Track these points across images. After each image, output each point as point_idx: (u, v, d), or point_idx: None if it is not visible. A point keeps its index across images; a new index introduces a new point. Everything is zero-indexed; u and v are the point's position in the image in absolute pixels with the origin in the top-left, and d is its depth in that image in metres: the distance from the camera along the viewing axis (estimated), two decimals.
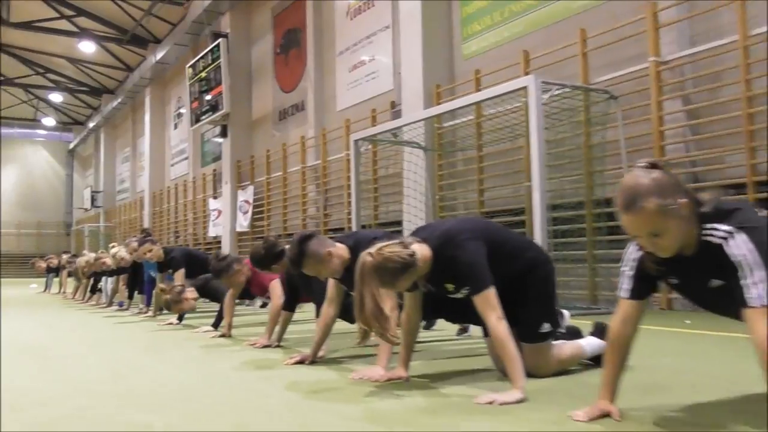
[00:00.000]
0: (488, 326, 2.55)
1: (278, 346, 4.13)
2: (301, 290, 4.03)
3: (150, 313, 6.78)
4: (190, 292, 5.65)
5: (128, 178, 25.55)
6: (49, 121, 32.12)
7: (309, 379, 3.00)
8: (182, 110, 19.74)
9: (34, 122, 32.57)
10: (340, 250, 3.21)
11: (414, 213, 8.78)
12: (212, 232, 16.05)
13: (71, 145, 33.34)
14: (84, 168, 33.54)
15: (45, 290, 12.98)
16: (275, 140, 14.05)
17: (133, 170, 24.77)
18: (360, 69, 11.11)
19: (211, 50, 14.56)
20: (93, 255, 9.10)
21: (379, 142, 9.10)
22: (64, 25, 20.61)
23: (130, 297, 7.67)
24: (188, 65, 15.99)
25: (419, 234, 2.75)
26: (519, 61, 7.74)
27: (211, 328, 5.06)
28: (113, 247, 8.24)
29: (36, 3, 19.28)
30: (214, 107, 14.58)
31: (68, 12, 19.98)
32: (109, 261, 8.16)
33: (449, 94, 8.79)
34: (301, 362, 3.39)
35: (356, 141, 8.53)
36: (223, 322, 4.94)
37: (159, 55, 19.37)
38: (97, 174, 30.08)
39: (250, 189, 14.30)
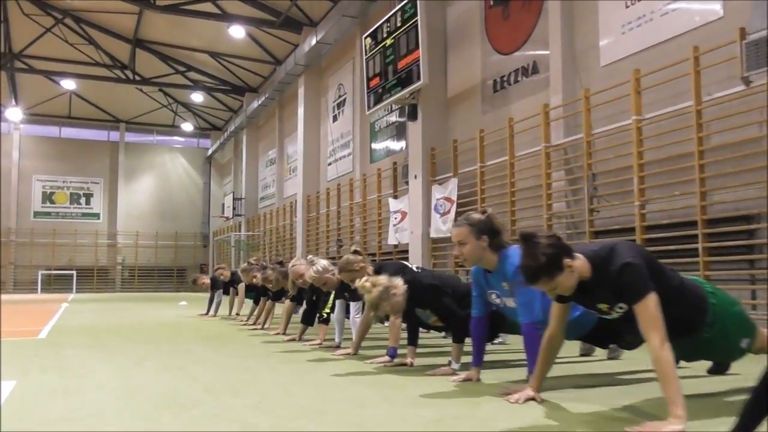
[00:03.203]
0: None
1: None
2: None
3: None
4: None
5: (273, 183, 23.22)
6: (188, 126, 30.71)
7: None
8: (345, 97, 16.97)
9: (173, 128, 31.31)
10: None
11: None
12: (393, 239, 12.98)
13: (209, 152, 31.80)
14: (221, 175, 31.91)
15: (207, 312, 10.25)
16: (489, 118, 10.80)
17: (279, 173, 22.38)
18: None
19: (402, 9, 11.56)
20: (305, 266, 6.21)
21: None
22: (209, 7, 18.53)
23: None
24: (365, 35, 13.09)
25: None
26: None
27: None
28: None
29: None
30: (405, 80, 11.52)
31: None
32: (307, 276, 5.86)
33: None
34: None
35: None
36: None
37: (319, 36, 16.69)
38: (236, 180, 28.19)
39: (453, 183, 11.10)
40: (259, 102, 22.77)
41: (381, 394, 3.16)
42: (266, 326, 7.36)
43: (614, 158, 7.92)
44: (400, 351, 4.27)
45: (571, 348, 4.32)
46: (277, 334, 6.50)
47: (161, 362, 4.45)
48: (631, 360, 4.33)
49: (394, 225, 12.96)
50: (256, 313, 8.06)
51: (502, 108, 10.51)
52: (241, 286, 9.35)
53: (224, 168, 31.38)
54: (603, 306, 2.68)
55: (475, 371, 3.47)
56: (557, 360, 3.04)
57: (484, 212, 3.24)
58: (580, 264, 2.57)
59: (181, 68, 24.33)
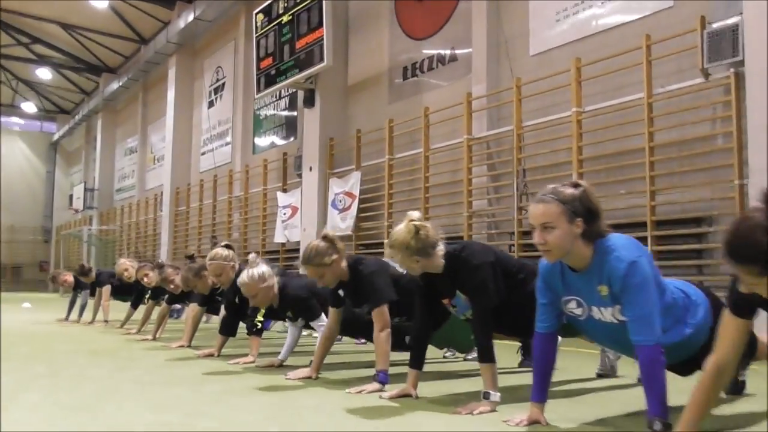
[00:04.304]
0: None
1: None
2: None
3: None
4: None
5: (133, 174, 21.12)
6: (30, 106, 27.48)
7: None
8: (224, 81, 15.54)
9: (11, 108, 27.87)
10: None
11: None
12: (281, 236, 11.84)
13: (55, 137, 28.63)
14: (69, 164, 28.86)
15: (67, 317, 8.57)
16: (397, 107, 10.00)
17: (141, 163, 20.34)
18: None
19: None
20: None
21: None
22: None
23: None
24: (257, 11, 11.87)
25: None
26: None
27: None
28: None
29: None
30: (304, 61, 10.46)
31: None
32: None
33: None
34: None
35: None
36: None
37: (197, 12, 15.15)
38: (87, 170, 25.55)
39: (355, 176, 10.18)
40: (120, 83, 20.59)
41: None
42: (158, 335, 6.06)
43: (549, 153, 7.38)
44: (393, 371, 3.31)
45: (569, 360, 3.57)
46: (182, 346, 5.26)
47: (48, 397, 3.16)
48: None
49: (284, 221, 11.82)
50: (142, 319, 6.68)
51: (413, 97, 9.75)
52: (107, 289, 7.89)
53: (73, 156, 28.39)
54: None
55: (538, 409, 2.45)
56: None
57: (576, 185, 2.31)
58: None
59: (25, 39, 21.50)
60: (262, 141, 13.88)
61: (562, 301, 2.46)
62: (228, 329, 4.79)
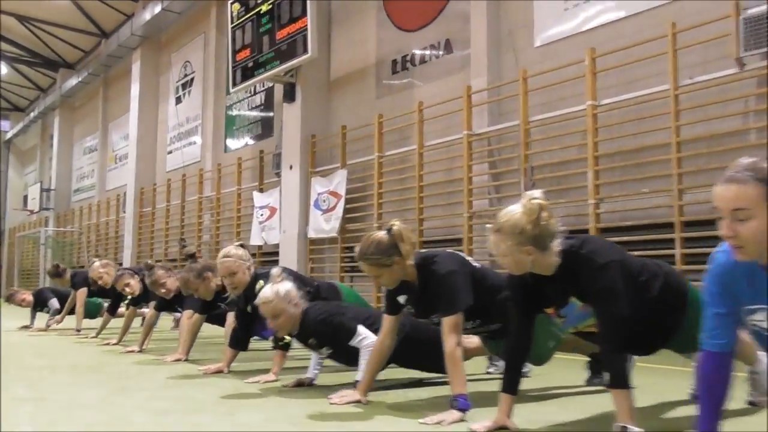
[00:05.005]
0: None
1: None
2: None
3: None
4: None
5: (92, 173, 20.10)
6: None
7: None
8: (193, 77, 14.76)
9: None
10: None
11: None
12: (258, 239, 11.15)
13: (7, 135, 27.23)
14: (23, 163, 27.54)
15: (31, 324, 7.77)
16: (385, 102, 9.43)
17: (101, 162, 19.33)
18: None
19: None
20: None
21: None
22: None
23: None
24: (232, 0, 11.17)
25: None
26: None
27: None
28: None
29: None
30: (286, 53, 9.81)
31: None
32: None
33: None
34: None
35: None
36: None
37: (165, 3, 14.36)
38: (43, 169, 24.36)
39: (340, 175, 9.57)
40: (80, 78, 19.57)
41: None
42: (145, 346, 5.36)
43: (559, 149, 6.90)
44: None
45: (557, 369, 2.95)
46: (178, 360, 4.59)
47: (34, 423, 2.51)
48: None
49: (261, 222, 11.13)
50: (123, 327, 5.93)
51: (403, 92, 9.19)
52: (83, 292, 7.11)
53: (27, 155, 27.07)
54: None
55: None
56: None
57: None
58: None
59: None
60: (235, 138, 13.17)
61: (743, 311, 1.90)
62: (239, 342, 4.15)
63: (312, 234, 9.97)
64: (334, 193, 9.65)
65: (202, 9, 14.30)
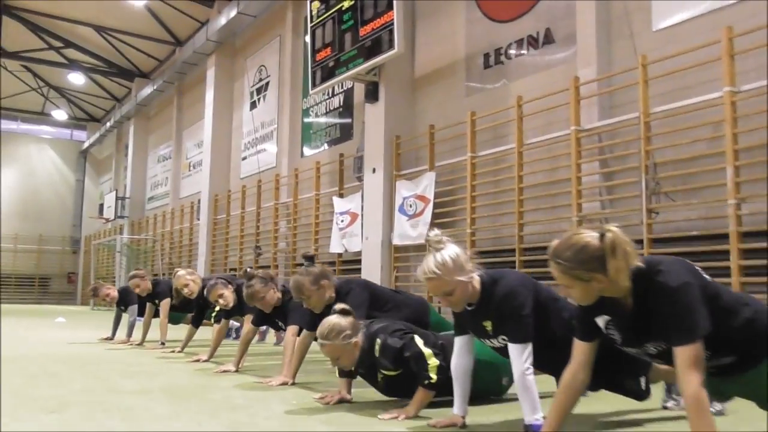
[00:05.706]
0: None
1: None
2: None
3: None
4: None
5: (166, 181, 20.14)
6: (61, 114, 26.74)
7: None
8: (268, 81, 14.47)
9: (42, 116, 27.15)
10: None
11: None
12: (338, 246, 10.65)
13: (84, 145, 27.82)
14: (99, 172, 28.05)
15: (113, 336, 7.43)
16: (476, 99, 8.80)
17: (175, 170, 19.34)
18: None
19: None
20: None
21: None
22: None
23: None
24: None
25: None
26: None
27: None
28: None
29: None
30: (370, 50, 9.30)
31: None
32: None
33: None
34: None
35: None
36: None
37: (241, 7, 14.12)
38: (118, 178, 24.69)
39: (428, 177, 8.98)
40: (154, 87, 19.64)
41: None
42: (241, 366, 4.84)
43: (687, 144, 6.12)
44: None
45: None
46: (284, 384, 4.03)
47: None
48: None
49: (341, 229, 10.64)
50: (213, 341, 5.46)
51: (497, 87, 8.54)
52: (167, 302, 6.69)
53: (103, 164, 27.57)
54: None
55: None
56: None
57: None
58: None
59: (57, 43, 20.67)
60: (312, 143, 12.76)
61: None
62: (348, 372, 3.56)
63: (397, 241, 9.40)
64: (421, 197, 9.06)
65: (278, 11, 14.02)
